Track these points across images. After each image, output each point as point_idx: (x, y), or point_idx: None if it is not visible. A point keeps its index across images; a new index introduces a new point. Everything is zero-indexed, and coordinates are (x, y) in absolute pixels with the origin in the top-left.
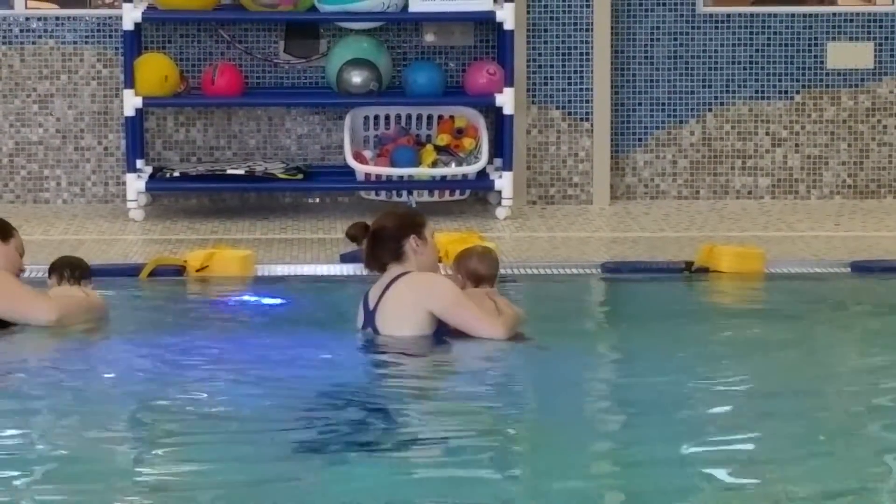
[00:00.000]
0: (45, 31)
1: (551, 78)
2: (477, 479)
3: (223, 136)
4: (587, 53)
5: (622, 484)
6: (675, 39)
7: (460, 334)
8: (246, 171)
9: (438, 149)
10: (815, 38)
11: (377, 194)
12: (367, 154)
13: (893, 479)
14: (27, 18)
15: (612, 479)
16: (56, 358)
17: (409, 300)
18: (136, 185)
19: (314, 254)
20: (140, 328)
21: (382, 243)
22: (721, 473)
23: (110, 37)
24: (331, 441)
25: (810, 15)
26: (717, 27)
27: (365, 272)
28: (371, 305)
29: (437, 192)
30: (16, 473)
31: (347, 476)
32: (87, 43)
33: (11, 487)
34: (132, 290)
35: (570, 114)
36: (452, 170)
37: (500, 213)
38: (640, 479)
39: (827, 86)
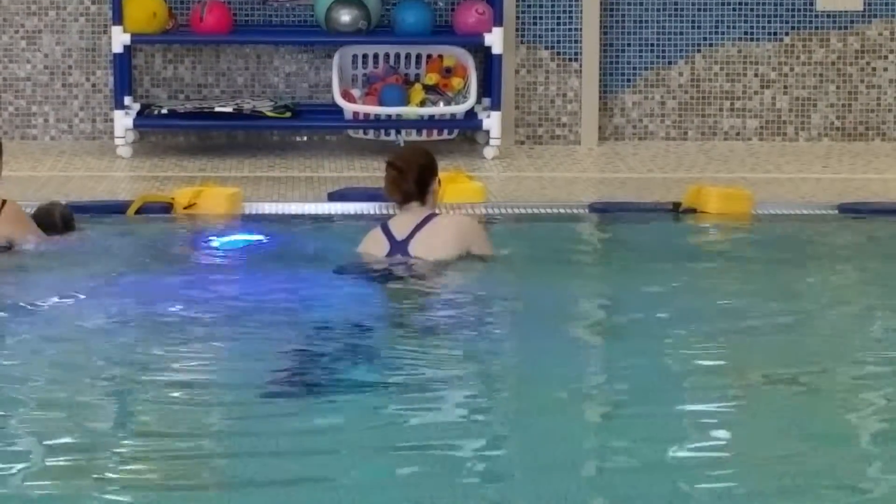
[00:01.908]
0: None
1: (540, 18)
2: (462, 422)
3: (211, 73)
4: None
5: (607, 425)
6: None
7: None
8: (234, 109)
9: (427, 88)
10: None
11: (365, 133)
12: (356, 93)
13: (879, 422)
14: None
15: (597, 421)
16: (39, 294)
17: (453, 238)
18: (123, 122)
19: (301, 192)
20: (127, 266)
21: (425, 177)
22: (704, 419)
23: None
24: (317, 379)
25: None
26: None
27: (355, 210)
28: (399, 237)
29: (425, 132)
30: None
31: (334, 413)
32: None
33: None
34: (119, 227)
35: (558, 54)
36: (441, 109)
37: (488, 152)
38: (625, 422)
39: (816, 27)
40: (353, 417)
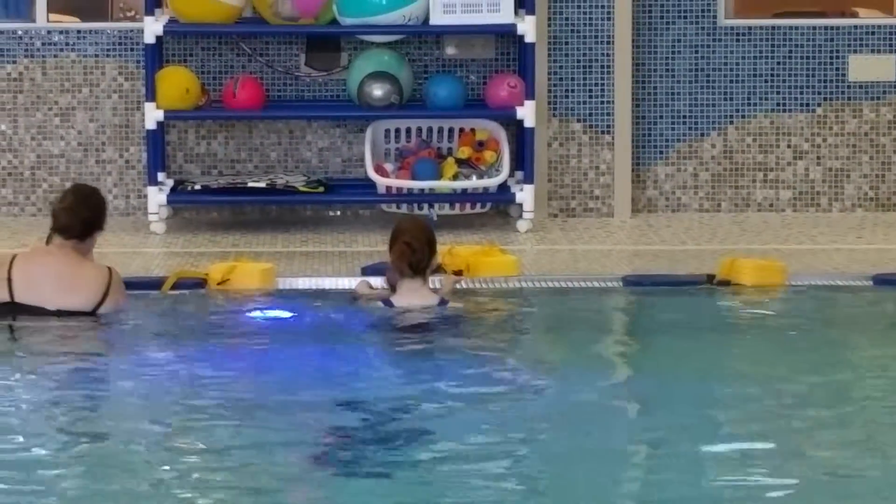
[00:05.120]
0: (67, 44)
1: (572, 91)
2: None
3: (244, 148)
4: (608, 66)
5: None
6: (697, 52)
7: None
8: (267, 184)
9: (460, 162)
10: (837, 51)
11: (398, 207)
12: (389, 167)
13: None
14: (49, 31)
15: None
16: (73, 370)
17: None
18: (157, 197)
19: (335, 267)
20: (161, 341)
21: (433, 251)
22: (741, 492)
23: (132, 50)
24: (349, 456)
25: (832, 27)
26: (738, 40)
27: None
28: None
29: (458, 205)
30: (22, 479)
31: (368, 492)
32: (108, 56)
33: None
34: (154, 302)
35: (591, 126)
36: (474, 183)
37: (522, 225)
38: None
39: (848, 98)
40: (388, 494)
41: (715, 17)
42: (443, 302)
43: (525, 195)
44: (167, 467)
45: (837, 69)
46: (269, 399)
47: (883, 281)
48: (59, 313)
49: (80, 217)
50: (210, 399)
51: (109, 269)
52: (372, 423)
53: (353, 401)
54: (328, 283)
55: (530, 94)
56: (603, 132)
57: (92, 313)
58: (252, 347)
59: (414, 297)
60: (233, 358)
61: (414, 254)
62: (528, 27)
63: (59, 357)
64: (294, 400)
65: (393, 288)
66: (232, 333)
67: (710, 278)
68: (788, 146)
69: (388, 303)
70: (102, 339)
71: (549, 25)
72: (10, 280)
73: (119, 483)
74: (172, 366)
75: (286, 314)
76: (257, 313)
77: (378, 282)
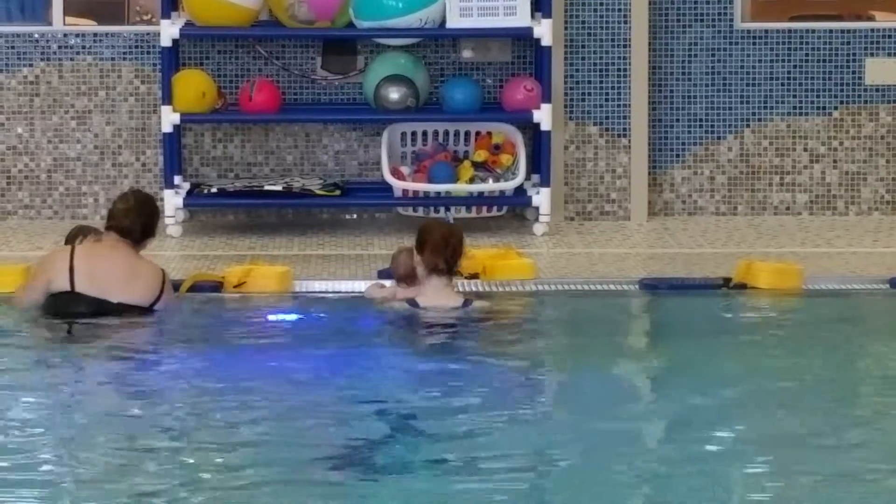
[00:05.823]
0: (83, 47)
1: (589, 94)
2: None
3: (261, 152)
4: (625, 70)
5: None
6: (713, 55)
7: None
8: (283, 188)
9: (476, 165)
10: (854, 54)
11: (415, 210)
12: (405, 170)
13: None
14: (65, 35)
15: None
16: (92, 371)
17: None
18: (173, 201)
19: (352, 270)
20: (178, 344)
21: (462, 252)
22: (756, 494)
23: (148, 53)
24: (365, 458)
25: (848, 31)
26: (754, 43)
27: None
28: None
29: (474, 209)
30: (35, 479)
31: (391, 495)
32: (124, 59)
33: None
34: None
35: (607, 130)
36: (490, 186)
37: (538, 229)
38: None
39: (865, 101)
40: (411, 496)
41: (731, 20)
42: (467, 303)
43: (541, 198)
44: (191, 462)
45: (854, 72)
46: (294, 401)
47: None
48: (121, 306)
49: (139, 222)
50: (234, 401)
51: (162, 269)
52: (397, 426)
53: (379, 403)
54: (345, 286)
55: (547, 98)
56: (619, 135)
57: (149, 308)
58: (277, 350)
59: (440, 298)
60: (260, 361)
61: (448, 249)
62: (544, 30)
63: (131, 347)
64: (319, 402)
65: (400, 280)
66: (254, 336)
67: (727, 282)
68: (805, 149)
69: (413, 303)
70: (163, 332)
71: (566, 29)
72: (72, 270)
73: (149, 477)
74: (186, 368)
75: (309, 316)
76: (280, 316)
77: (389, 283)
